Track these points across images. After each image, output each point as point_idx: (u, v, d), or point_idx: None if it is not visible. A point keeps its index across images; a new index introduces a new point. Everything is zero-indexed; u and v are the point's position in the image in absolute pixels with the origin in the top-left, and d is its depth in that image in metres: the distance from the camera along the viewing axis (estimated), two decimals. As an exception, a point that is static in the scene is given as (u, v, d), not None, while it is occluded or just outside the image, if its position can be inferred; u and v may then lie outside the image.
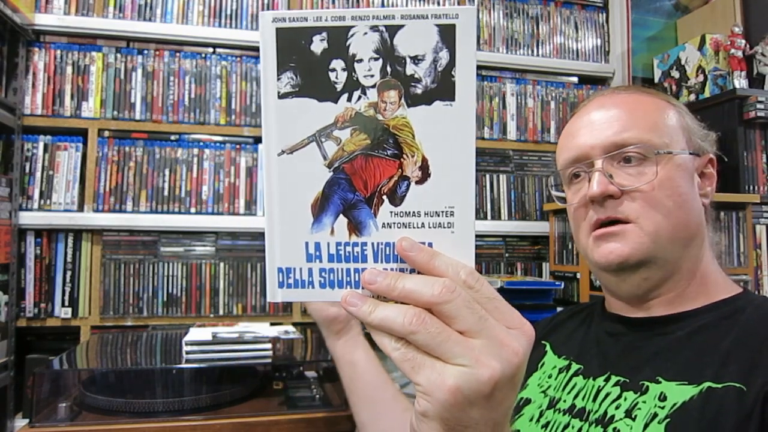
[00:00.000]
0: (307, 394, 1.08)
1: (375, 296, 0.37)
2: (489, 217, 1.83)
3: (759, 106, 1.62)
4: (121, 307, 1.54)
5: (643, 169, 0.66)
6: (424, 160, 0.38)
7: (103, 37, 1.60)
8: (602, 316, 0.76)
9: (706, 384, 0.57)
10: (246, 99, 1.67)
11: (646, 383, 0.61)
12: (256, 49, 1.66)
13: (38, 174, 1.52)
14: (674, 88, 1.90)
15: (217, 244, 1.62)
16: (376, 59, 0.37)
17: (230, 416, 0.97)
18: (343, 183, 0.38)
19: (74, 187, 1.54)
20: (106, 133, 1.58)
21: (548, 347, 0.80)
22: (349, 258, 0.39)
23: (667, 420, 0.57)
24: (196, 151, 1.62)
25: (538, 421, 0.71)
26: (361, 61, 0.37)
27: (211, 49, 1.67)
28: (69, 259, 1.52)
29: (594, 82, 1.99)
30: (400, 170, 0.38)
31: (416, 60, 0.37)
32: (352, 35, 0.37)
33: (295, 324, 1.53)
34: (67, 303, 1.51)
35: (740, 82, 1.72)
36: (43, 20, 1.53)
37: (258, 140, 1.66)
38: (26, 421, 0.93)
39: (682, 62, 1.87)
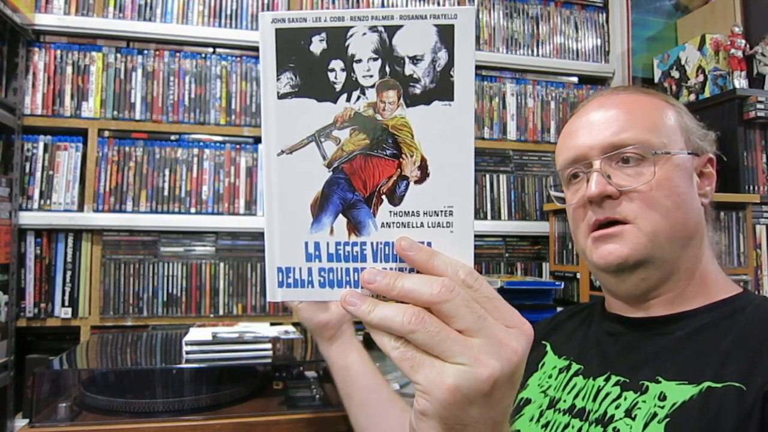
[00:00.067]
0: (307, 394, 1.08)
1: (374, 296, 0.37)
2: (489, 217, 1.83)
3: (759, 106, 1.62)
4: (121, 307, 1.54)
5: (641, 169, 0.66)
6: (423, 160, 0.38)
7: (103, 37, 1.60)
8: (602, 316, 0.76)
9: (706, 384, 0.57)
10: (246, 99, 1.67)
11: (646, 383, 0.61)
12: (256, 49, 1.66)
13: (38, 174, 1.52)
14: (674, 88, 1.90)
15: (217, 244, 1.62)
16: (375, 59, 0.37)
17: (230, 416, 0.97)
18: (343, 183, 0.39)
19: (74, 187, 1.54)
20: (106, 133, 1.58)
21: (548, 347, 0.80)
22: (349, 257, 0.39)
23: (667, 420, 0.57)
24: (196, 151, 1.63)
25: (538, 421, 0.71)
26: (360, 61, 0.37)
27: (211, 49, 1.67)
28: (69, 259, 1.52)
29: (594, 82, 1.99)
30: (399, 170, 0.38)
31: (415, 60, 0.37)
32: (351, 36, 0.37)
33: (295, 324, 1.53)
34: (67, 303, 1.51)
35: (740, 82, 1.72)
36: (43, 20, 1.53)
37: (258, 140, 1.66)
38: (26, 421, 0.93)
39: (682, 62, 1.87)
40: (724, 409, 0.54)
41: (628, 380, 0.64)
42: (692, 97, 1.82)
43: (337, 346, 0.81)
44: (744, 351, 0.58)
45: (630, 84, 1.94)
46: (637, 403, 0.61)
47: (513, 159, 1.88)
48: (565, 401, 0.69)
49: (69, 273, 1.52)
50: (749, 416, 0.52)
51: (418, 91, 0.37)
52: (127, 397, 0.97)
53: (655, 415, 0.58)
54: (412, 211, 0.38)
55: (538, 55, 1.93)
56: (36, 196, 1.51)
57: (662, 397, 0.59)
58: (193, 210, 1.60)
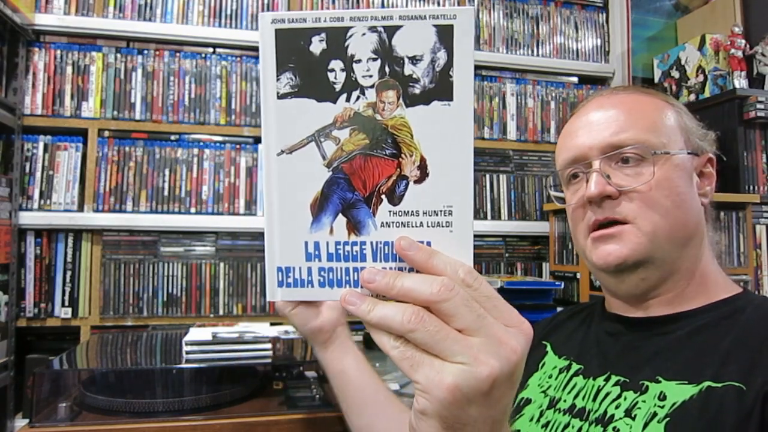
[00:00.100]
0: (307, 394, 1.08)
1: (374, 295, 0.37)
2: (489, 217, 1.83)
3: (759, 106, 1.62)
4: (121, 307, 1.54)
5: (640, 169, 0.66)
6: (423, 160, 0.38)
7: (103, 37, 1.60)
8: (602, 316, 0.76)
9: (706, 383, 0.57)
10: (246, 99, 1.67)
11: (646, 383, 0.61)
12: (256, 49, 1.66)
13: (38, 174, 1.52)
14: (674, 88, 1.90)
15: (217, 244, 1.62)
16: (374, 60, 0.37)
17: (230, 416, 0.97)
18: (342, 182, 0.39)
19: (74, 187, 1.54)
20: (106, 133, 1.58)
21: (549, 347, 0.80)
22: (348, 257, 0.39)
23: (667, 419, 0.57)
24: (196, 151, 1.63)
25: (538, 420, 0.71)
26: (359, 61, 0.38)
27: (211, 49, 1.67)
28: (69, 259, 1.52)
29: (594, 82, 1.99)
30: (398, 170, 0.38)
31: (414, 60, 0.37)
32: (351, 36, 0.37)
33: (295, 324, 1.53)
34: (67, 303, 1.51)
35: (740, 82, 1.72)
36: (43, 20, 1.53)
37: (258, 140, 1.66)
38: (26, 421, 0.93)
39: (682, 62, 1.87)
40: (724, 408, 0.54)
41: (628, 380, 0.64)
42: (692, 97, 1.82)
43: (332, 350, 0.81)
44: (744, 351, 0.58)
45: (630, 84, 1.94)
46: (637, 402, 0.61)
47: (513, 159, 1.88)
48: (565, 401, 0.70)
49: (69, 273, 1.52)
50: (749, 416, 0.52)
51: (417, 91, 0.37)
52: (127, 397, 0.97)
53: (655, 414, 0.58)
54: (412, 211, 0.38)
55: (538, 55, 1.93)
56: (36, 196, 1.51)
57: (662, 397, 0.59)
58: (193, 210, 1.60)
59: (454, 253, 0.37)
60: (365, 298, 0.37)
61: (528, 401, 0.75)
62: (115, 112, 1.58)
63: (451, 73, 0.37)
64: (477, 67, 1.85)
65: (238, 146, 1.65)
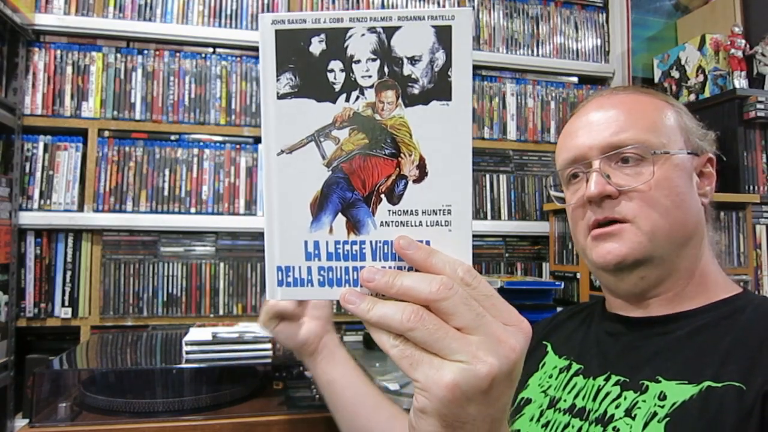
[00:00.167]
0: (307, 394, 1.08)
1: (373, 294, 0.38)
2: (489, 217, 1.83)
3: (759, 106, 1.62)
4: (121, 307, 1.54)
5: (640, 169, 0.67)
6: (422, 159, 0.38)
7: (103, 37, 1.60)
8: (602, 315, 0.77)
9: (706, 383, 0.57)
10: (246, 99, 1.67)
11: (646, 382, 0.62)
12: (256, 49, 1.66)
13: (38, 174, 1.52)
14: (674, 88, 1.90)
15: (217, 244, 1.62)
16: (373, 60, 0.38)
17: (230, 416, 0.97)
18: (342, 182, 0.39)
19: (74, 187, 1.54)
20: (106, 133, 1.58)
21: (549, 347, 0.80)
22: (348, 256, 0.39)
23: (667, 419, 0.57)
24: (196, 151, 1.63)
25: (538, 420, 0.71)
26: (359, 61, 0.38)
27: (211, 49, 1.67)
28: (69, 259, 1.52)
29: (594, 82, 1.99)
30: (397, 169, 0.38)
31: (413, 61, 0.37)
32: (350, 36, 0.38)
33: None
34: (67, 303, 1.51)
35: (740, 82, 1.72)
36: (43, 20, 1.53)
37: (258, 140, 1.66)
38: (26, 421, 0.93)
39: (682, 62, 1.87)
40: (724, 408, 0.54)
41: (628, 380, 0.64)
42: (692, 97, 1.82)
43: (320, 360, 0.80)
44: (744, 351, 0.58)
45: (630, 84, 1.94)
46: (637, 402, 0.61)
47: (513, 159, 1.88)
48: (565, 401, 0.70)
49: (69, 273, 1.52)
50: (749, 416, 0.53)
51: (416, 91, 0.38)
52: (127, 397, 0.97)
53: (655, 414, 0.58)
54: (411, 210, 0.38)
55: (538, 55, 1.93)
56: (36, 196, 1.51)
57: (662, 397, 0.59)
58: (193, 210, 1.60)
59: (453, 252, 0.37)
60: (365, 297, 0.37)
61: (528, 401, 0.75)
62: (115, 112, 1.58)
63: (449, 73, 0.37)
64: (477, 67, 1.85)
65: (238, 146, 1.65)
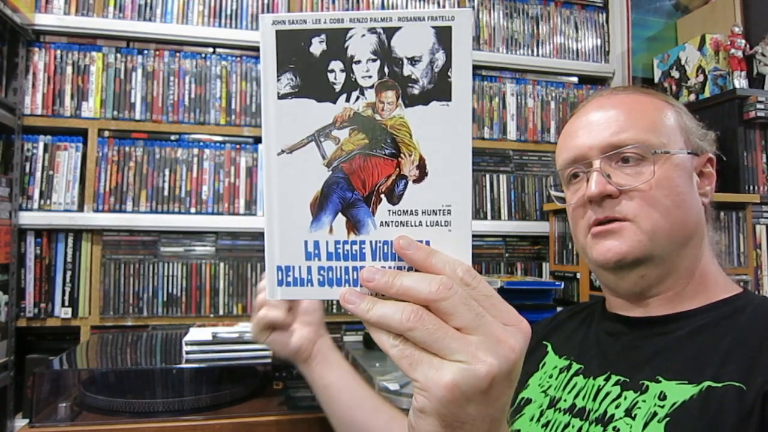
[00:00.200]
0: (307, 394, 1.08)
1: (373, 294, 0.38)
2: (489, 217, 1.83)
3: (759, 106, 1.62)
4: (121, 307, 1.54)
5: (641, 169, 0.67)
6: (422, 160, 0.38)
7: (103, 37, 1.60)
8: (602, 315, 0.77)
9: (706, 383, 0.57)
10: (246, 99, 1.67)
11: (646, 382, 0.62)
12: (256, 49, 1.66)
13: (38, 174, 1.52)
14: (674, 88, 1.90)
15: (217, 244, 1.62)
16: (373, 60, 0.38)
17: (230, 416, 0.97)
18: (342, 182, 0.39)
19: (74, 187, 1.54)
20: (106, 133, 1.58)
21: (549, 347, 0.80)
22: (348, 256, 0.39)
23: (667, 419, 0.57)
24: (196, 151, 1.63)
25: (538, 420, 0.71)
26: (359, 62, 0.38)
27: (211, 49, 1.67)
28: (69, 259, 1.52)
29: (594, 82, 1.99)
30: (397, 169, 0.38)
31: (413, 61, 0.38)
32: (351, 37, 0.38)
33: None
34: (67, 303, 1.51)
35: (740, 82, 1.72)
36: (43, 20, 1.53)
37: (258, 140, 1.66)
38: (26, 421, 0.93)
39: (682, 62, 1.87)
40: (724, 408, 0.54)
41: (628, 380, 0.64)
42: (692, 97, 1.82)
43: (314, 366, 0.80)
44: (744, 351, 0.58)
45: (630, 84, 1.94)
46: (637, 402, 0.61)
47: (513, 159, 1.88)
48: (565, 401, 0.70)
49: (69, 273, 1.52)
50: (749, 416, 0.53)
51: (416, 92, 0.38)
52: (127, 397, 0.97)
53: (655, 414, 0.58)
54: (411, 210, 0.38)
55: (538, 55, 1.93)
56: (36, 196, 1.51)
57: (662, 397, 0.59)
58: (193, 210, 1.60)
59: (452, 253, 0.37)
60: (364, 297, 0.37)
61: (528, 401, 0.75)
62: (115, 112, 1.58)
63: (449, 73, 0.37)
64: (477, 67, 1.85)
65: (238, 146, 1.65)
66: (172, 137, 1.62)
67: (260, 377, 1.13)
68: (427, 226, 0.38)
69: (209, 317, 1.59)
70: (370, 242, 0.39)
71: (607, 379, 0.66)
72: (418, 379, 0.35)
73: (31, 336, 1.53)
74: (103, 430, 0.91)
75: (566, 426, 0.66)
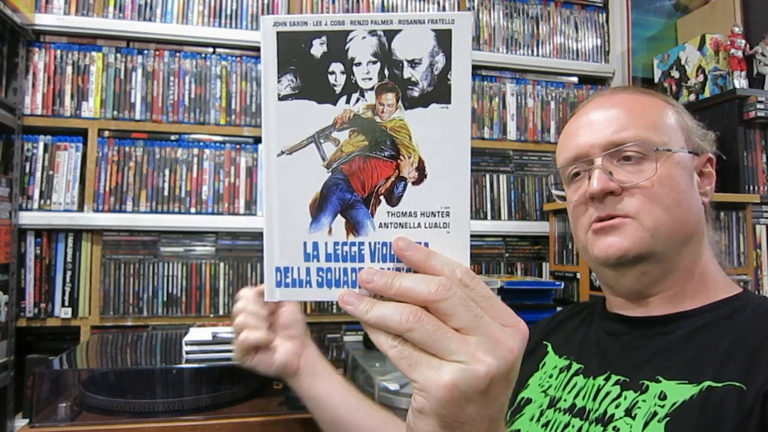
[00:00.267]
0: (307, 393, 1.08)
1: (372, 295, 0.38)
2: (489, 217, 1.83)
3: (759, 106, 1.62)
4: (121, 307, 1.54)
5: (642, 166, 0.67)
6: (421, 162, 0.38)
7: (103, 37, 1.60)
8: (602, 315, 0.77)
9: (706, 383, 0.57)
10: (246, 99, 1.67)
11: (646, 382, 0.62)
12: (256, 49, 1.66)
13: (38, 174, 1.52)
14: (674, 88, 1.90)
15: (217, 244, 1.62)
16: (374, 63, 0.38)
17: (230, 416, 0.97)
18: (341, 183, 0.39)
19: (74, 187, 1.54)
20: (106, 133, 1.58)
21: (549, 347, 0.80)
22: (347, 257, 0.39)
23: (667, 419, 0.57)
24: (196, 151, 1.63)
25: (538, 420, 0.71)
26: (359, 64, 0.38)
27: (211, 49, 1.67)
28: (69, 259, 1.52)
29: (594, 82, 1.99)
30: (397, 171, 0.39)
31: (413, 64, 0.38)
32: (351, 39, 0.38)
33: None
34: (67, 303, 1.51)
35: (740, 82, 1.72)
36: (43, 20, 1.53)
37: (258, 140, 1.66)
38: (26, 421, 0.93)
39: (682, 62, 1.87)
40: (725, 408, 0.54)
41: (628, 380, 0.64)
42: (692, 97, 1.82)
43: (303, 378, 0.78)
44: (744, 350, 0.58)
45: (630, 84, 1.94)
46: (637, 402, 0.61)
47: (513, 159, 1.88)
48: (565, 400, 0.70)
49: (69, 273, 1.52)
50: (749, 415, 0.53)
51: (416, 94, 0.38)
52: (127, 397, 0.97)
53: (655, 414, 0.58)
54: (410, 212, 0.39)
55: (538, 55, 1.93)
56: (36, 196, 1.51)
57: (662, 397, 0.59)
58: (193, 210, 1.61)
59: (451, 254, 0.38)
60: (363, 298, 0.37)
61: (528, 401, 0.75)
62: (115, 112, 1.59)
63: (449, 76, 0.38)
64: (477, 67, 1.85)
65: (238, 146, 1.65)
66: (172, 137, 1.62)
67: (260, 377, 1.13)
68: (425, 227, 0.38)
69: (209, 317, 1.59)
70: (369, 243, 0.39)
71: (607, 379, 0.66)
72: (417, 380, 0.35)
73: (31, 336, 1.53)
74: (103, 430, 0.91)
75: (566, 426, 0.66)
